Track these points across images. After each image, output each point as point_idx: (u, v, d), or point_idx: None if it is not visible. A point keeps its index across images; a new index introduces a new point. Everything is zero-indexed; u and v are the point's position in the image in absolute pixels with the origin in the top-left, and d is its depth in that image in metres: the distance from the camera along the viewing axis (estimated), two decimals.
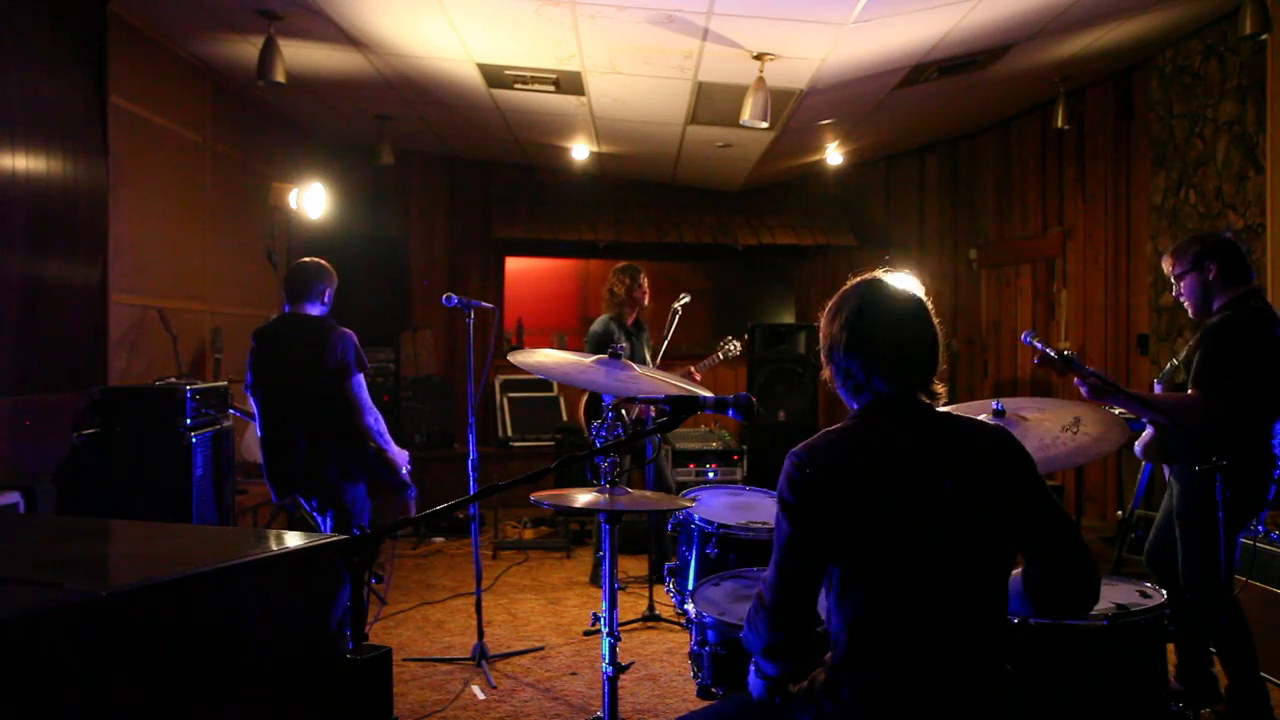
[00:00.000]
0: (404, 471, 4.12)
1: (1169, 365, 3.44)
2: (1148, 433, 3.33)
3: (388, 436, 4.05)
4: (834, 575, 1.78)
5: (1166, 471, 3.44)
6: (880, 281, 1.91)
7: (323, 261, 4.15)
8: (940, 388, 1.89)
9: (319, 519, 4.05)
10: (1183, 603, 3.22)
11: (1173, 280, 3.37)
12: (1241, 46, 5.16)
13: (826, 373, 1.91)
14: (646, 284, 5.44)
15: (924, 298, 1.91)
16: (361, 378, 3.97)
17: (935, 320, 1.89)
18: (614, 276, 5.48)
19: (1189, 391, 3.15)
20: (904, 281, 1.93)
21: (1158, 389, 3.40)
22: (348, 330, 4.01)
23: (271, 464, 4.03)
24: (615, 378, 2.98)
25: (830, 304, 1.93)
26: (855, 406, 1.88)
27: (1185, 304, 3.36)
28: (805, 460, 1.77)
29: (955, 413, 1.95)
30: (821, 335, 1.93)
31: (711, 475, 4.96)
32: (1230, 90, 5.38)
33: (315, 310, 4.06)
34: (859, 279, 1.93)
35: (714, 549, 3.29)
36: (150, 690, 1.44)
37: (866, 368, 1.82)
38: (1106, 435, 2.70)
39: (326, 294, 4.08)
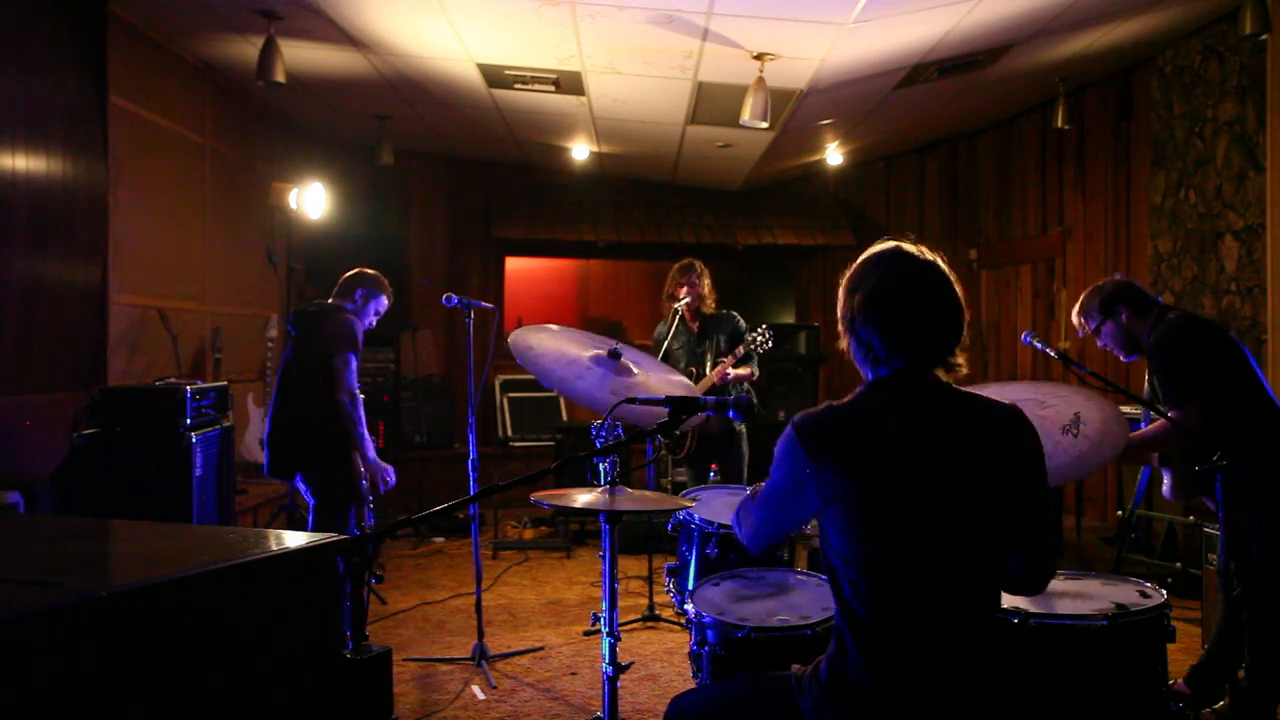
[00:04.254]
0: (380, 484, 4.10)
1: (1141, 419, 3.48)
2: (1166, 479, 3.37)
3: (364, 431, 4.03)
4: (829, 552, 1.78)
5: (1166, 490, 3.45)
6: (905, 252, 1.85)
7: (375, 272, 4.30)
8: (961, 359, 1.84)
9: (305, 493, 4.08)
10: (1234, 602, 3.21)
11: (1094, 336, 3.45)
12: (1241, 46, 5.16)
13: (844, 343, 1.88)
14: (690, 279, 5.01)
15: (947, 269, 1.85)
16: (350, 358, 3.99)
17: (959, 291, 1.84)
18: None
19: (1169, 415, 3.16)
20: (927, 253, 1.86)
21: (1144, 423, 3.44)
22: (352, 317, 4.09)
23: (269, 436, 4.10)
24: (608, 386, 2.98)
25: (852, 271, 1.88)
26: (870, 377, 1.85)
27: (1116, 352, 3.44)
28: (806, 433, 1.76)
29: (975, 393, 1.89)
30: (840, 303, 1.88)
31: (711, 475, 4.95)
32: (1230, 90, 5.38)
33: (344, 302, 4.19)
34: (882, 247, 1.88)
35: (714, 549, 3.28)
36: (150, 690, 1.44)
37: (887, 343, 1.78)
38: (1106, 439, 2.69)
39: (357, 293, 4.20)
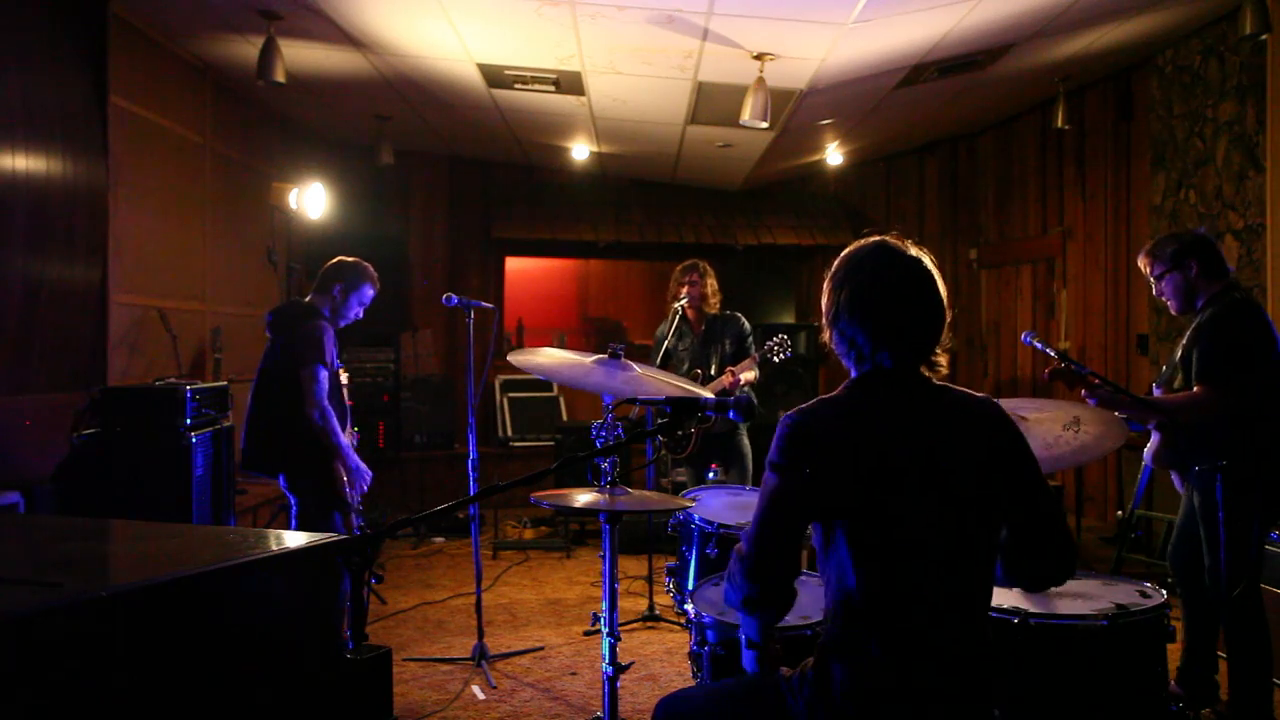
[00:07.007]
0: (354, 488, 3.97)
1: (1163, 369, 3.44)
2: (1154, 439, 3.32)
3: (341, 439, 3.89)
4: (824, 550, 1.80)
5: (1175, 479, 3.43)
6: (890, 247, 1.85)
7: (354, 260, 4.08)
8: (942, 358, 1.87)
9: (286, 492, 4.00)
10: (1201, 604, 3.20)
11: (1152, 280, 3.41)
12: (1241, 46, 5.16)
13: (827, 335, 1.89)
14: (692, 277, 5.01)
15: (932, 266, 1.86)
16: (317, 370, 3.81)
17: (942, 289, 1.85)
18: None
19: (1194, 390, 3.14)
20: (913, 249, 1.87)
21: (1156, 393, 3.39)
22: (324, 323, 3.91)
23: (247, 431, 3.97)
24: (616, 378, 2.98)
25: (837, 267, 1.88)
26: (855, 373, 1.87)
27: (1168, 302, 3.40)
28: (798, 425, 1.78)
29: (953, 387, 1.92)
30: (825, 299, 1.88)
31: (711, 475, 4.95)
32: (1230, 90, 5.38)
33: (320, 301, 4.02)
34: (867, 243, 1.88)
35: (714, 549, 3.29)
36: (150, 690, 1.44)
37: (873, 341, 1.80)
38: (1107, 434, 2.71)
39: (335, 289, 3.99)
